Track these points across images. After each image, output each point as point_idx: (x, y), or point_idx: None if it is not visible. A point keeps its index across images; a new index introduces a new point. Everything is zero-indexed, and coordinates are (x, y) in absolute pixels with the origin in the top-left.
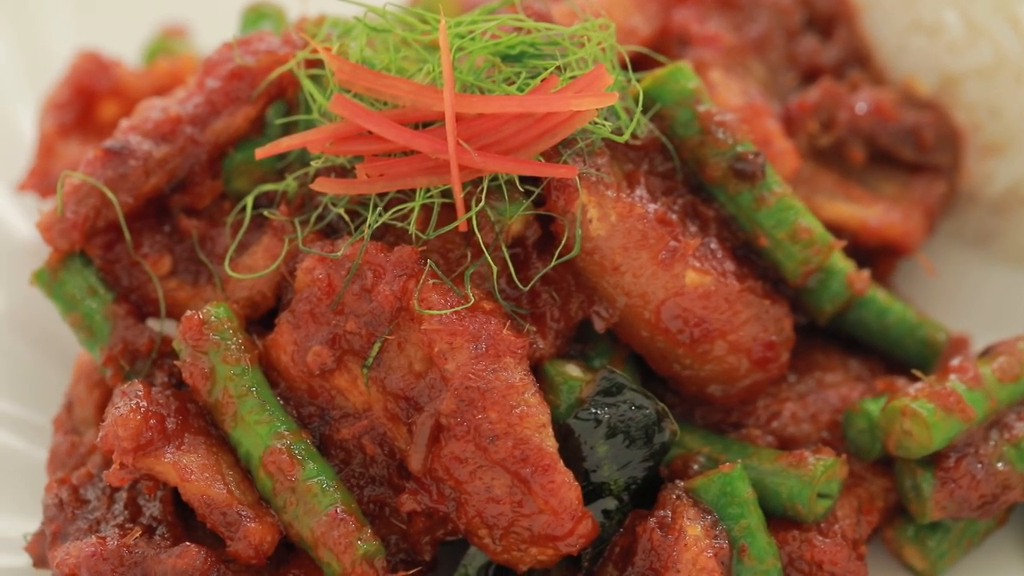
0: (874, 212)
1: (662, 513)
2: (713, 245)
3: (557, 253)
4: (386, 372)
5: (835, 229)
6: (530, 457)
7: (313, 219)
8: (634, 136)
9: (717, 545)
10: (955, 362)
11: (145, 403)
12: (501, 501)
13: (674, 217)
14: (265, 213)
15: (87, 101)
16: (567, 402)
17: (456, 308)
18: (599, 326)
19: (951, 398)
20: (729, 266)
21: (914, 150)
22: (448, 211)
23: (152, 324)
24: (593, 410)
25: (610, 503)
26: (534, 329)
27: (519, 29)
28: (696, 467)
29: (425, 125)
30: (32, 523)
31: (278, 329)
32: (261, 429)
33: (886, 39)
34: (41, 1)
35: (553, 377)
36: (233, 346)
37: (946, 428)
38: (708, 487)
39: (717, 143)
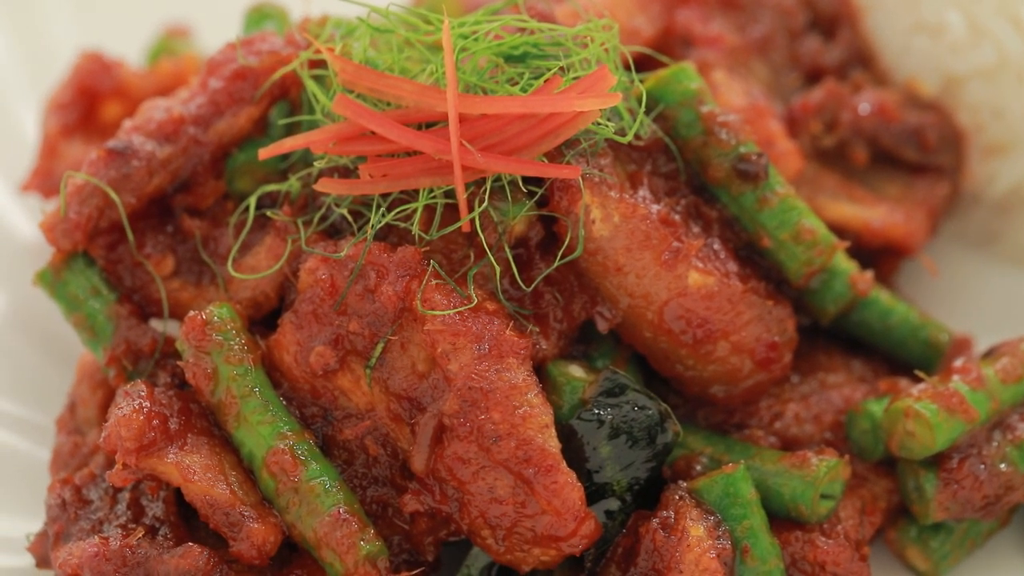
0: (877, 213)
1: (665, 514)
2: (716, 246)
3: (560, 254)
4: (389, 373)
5: (838, 230)
6: (533, 458)
7: (316, 220)
8: (637, 137)
9: (720, 546)
10: (958, 363)
11: (148, 403)
12: (504, 502)
13: (677, 218)
14: (268, 213)
15: (90, 101)
16: (570, 403)
17: (459, 309)
18: (602, 327)
19: (954, 399)
20: (732, 267)
21: (917, 151)
22: (451, 212)
23: (155, 324)
24: (596, 411)
25: (613, 504)
26: (537, 330)
27: (522, 30)
28: (699, 468)
29: (428, 126)
30: (35, 523)
31: (281, 329)
32: (264, 429)
33: (889, 40)
34: (44, 1)
35: (556, 377)
36: (236, 346)
37: (949, 429)
38: (711, 488)
39: (720, 144)
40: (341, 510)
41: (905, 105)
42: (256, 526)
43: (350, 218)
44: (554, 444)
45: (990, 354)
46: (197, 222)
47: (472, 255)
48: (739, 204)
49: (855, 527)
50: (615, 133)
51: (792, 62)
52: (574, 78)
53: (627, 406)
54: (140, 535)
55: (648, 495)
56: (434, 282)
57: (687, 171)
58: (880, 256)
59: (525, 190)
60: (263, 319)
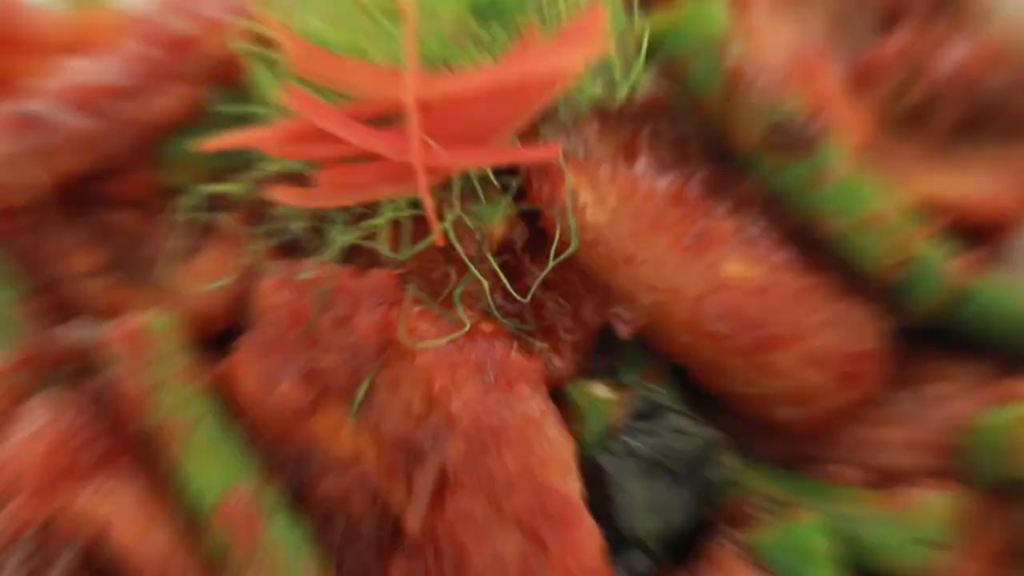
0: (974, 184)
1: (708, 572)
2: (758, 229)
3: (553, 252)
4: (379, 417)
5: (925, 208)
6: (550, 509)
7: (270, 231)
8: (631, 95)
9: None
10: None
11: (66, 420)
12: (508, 566)
13: (694, 194)
14: (214, 218)
15: None
16: (595, 430)
17: (451, 336)
18: (623, 331)
19: None
20: (782, 256)
21: (1014, 115)
22: (421, 224)
23: (77, 327)
24: (626, 439)
25: (638, 559)
26: (546, 345)
27: None
28: (758, 513)
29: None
30: None
31: (239, 353)
32: (217, 466)
33: None
34: None
35: (577, 400)
36: (180, 363)
37: None
38: (773, 541)
39: (748, 105)
40: None
41: (1002, 59)
42: None
43: (306, 236)
44: (575, 488)
45: None
46: (127, 215)
47: (453, 272)
48: (781, 180)
49: None
50: (602, 93)
51: (862, 2)
52: (555, 26)
53: (664, 432)
54: None
55: (685, 546)
56: (416, 308)
57: (703, 136)
58: (981, 235)
59: (498, 184)
60: (213, 339)
